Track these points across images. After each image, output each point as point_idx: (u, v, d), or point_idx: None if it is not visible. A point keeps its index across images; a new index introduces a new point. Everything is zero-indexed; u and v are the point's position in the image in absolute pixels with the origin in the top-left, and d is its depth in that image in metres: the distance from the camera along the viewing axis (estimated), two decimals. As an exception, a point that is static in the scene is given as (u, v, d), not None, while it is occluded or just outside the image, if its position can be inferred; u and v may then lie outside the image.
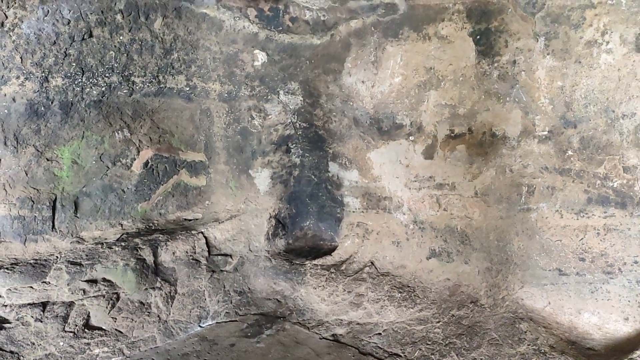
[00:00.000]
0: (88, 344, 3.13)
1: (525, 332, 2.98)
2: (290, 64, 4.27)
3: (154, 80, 3.76)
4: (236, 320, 3.72)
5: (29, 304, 3.05)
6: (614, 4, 2.67)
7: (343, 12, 3.90)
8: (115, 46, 3.46)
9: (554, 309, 3.11)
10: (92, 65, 3.38)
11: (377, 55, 3.84)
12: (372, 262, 4.04)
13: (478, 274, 3.45)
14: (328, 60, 4.17)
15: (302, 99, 4.39)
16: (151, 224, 3.92)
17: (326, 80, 4.22)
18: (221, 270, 3.97)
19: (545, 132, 3.03)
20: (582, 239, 2.97)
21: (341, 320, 3.56)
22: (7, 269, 3.03)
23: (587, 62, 2.81)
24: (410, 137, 3.74)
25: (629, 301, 2.84)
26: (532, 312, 3.14)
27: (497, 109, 3.23)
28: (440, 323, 3.29)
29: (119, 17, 3.42)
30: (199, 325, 3.64)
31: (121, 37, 3.48)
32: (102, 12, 3.31)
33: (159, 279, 3.58)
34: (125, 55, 3.54)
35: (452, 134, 3.49)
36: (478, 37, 3.26)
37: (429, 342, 3.14)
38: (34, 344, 2.98)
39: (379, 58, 3.83)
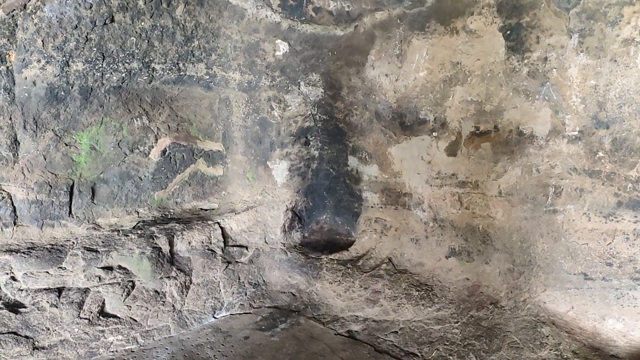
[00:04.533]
0: (102, 331, 3.12)
1: (547, 336, 2.92)
2: (312, 55, 4.21)
3: (174, 67, 3.72)
4: (250, 313, 3.70)
5: (45, 289, 3.04)
6: (655, 1, 2.58)
7: (368, 3, 3.84)
8: (136, 32, 3.42)
9: (577, 313, 3.03)
10: (112, 51, 3.34)
11: (402, 48, 3.77)
12: (389, 259, 3.99)
13: (499, 275, 3.39)
14: (351, 52, 4.11)
15: (323, 90, 4.34)
16: (167, 213, 3.90)
17: (348, 73, 4.15)
18: (236, 262, 3.94)
19: (576, 132, 2.94)
20: (610, 243, 2.88)
21: (357, 316, 3.52)
22: (23, 253, 3.02)
23: (623, 61, 2.71)
24: (434, 133, 3.67)
25: (656, 309, 2.77)
26: (554, 316, 3.07)
27: (525, 106, 3.14)
28: (459, 323, 3.24)
29: (140, 2, 3.37)
30: (213, 317, 3.62)
31: (142, 23, 3.44)
32: (124, -4, 3.29)
33: (174, 269, 3.55)
34: (146, 41, 3.49)
35: (477, 131, 3.42)
36: (508, 32, 3.17)
37: (447, 343, 3.09)
38: (49, 329, 2.97)
39: (404, 51, 3.76)
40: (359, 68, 4.08)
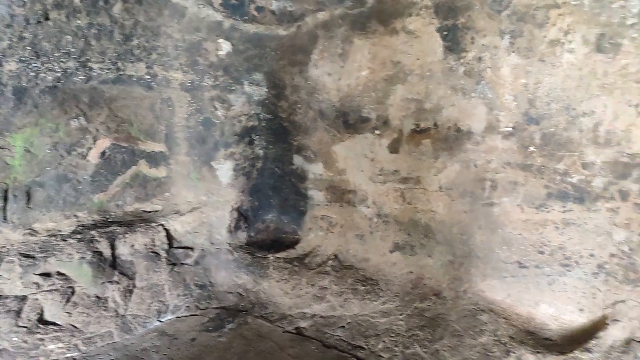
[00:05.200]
0: (42, 339, 3.03)
1: (486, 323, 3.06)
2: (255, 54, 4.23)
3: (112, 66, 3.64)
4: (197, 315, 3.67)
5: (-21, 298, 2.93)
6: (577, 4, 2.75)
7: (310, 3, 3.89)
8: (72, 30, 3.33)
9: (514, 300, 3.20)
10: (47, 50, 3.24)
11: (344, 48, 3.85)
12: (335, 255, 4.06)
13: (441, 266, 3.52)
14: (294, 52, 4.16)
15: (266, 90, 4.37)
16: (108, 216, 3.80)
17: (292, 72, 4.20)
18: (182, 264, 3.91)
19: (509, 128, 3.10)
20: (541, 232, 3.06)
21: (304, 313, 3.57)
22: (-46, 261, 2.90)
23: (550, 61, 2.89)
24: (376, 131, 3.77)
25: (584, 293, 2.94)
26: (492, 304, 3.23)
27: (462, 104, 3.29)
28: (404, 315, 3.34)
29: (76, 0, 3.29)
30: (159, 320, 3.57)
31: (79, 21, 3.35)
32: (59, -7, 3.19)
33: (116, 273, 3.49)
34: (83, 40, 3.41)
35: (418, 129, 3.54)
36: (445, 33, 3.30)
37: (393, 334, 3.18)
38: (-16, 339, 2.86)
39: (346, 51, 3.84)
40: (302, 67, 4.14)
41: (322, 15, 3.92)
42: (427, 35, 3.39)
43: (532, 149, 3.03)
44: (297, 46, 4.14)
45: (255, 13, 4.02)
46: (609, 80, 2.71)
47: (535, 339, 2.96)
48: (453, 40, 3.27)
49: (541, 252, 3.08)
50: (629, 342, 2.67)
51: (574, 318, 2.98)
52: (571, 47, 2.81)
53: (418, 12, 3.41)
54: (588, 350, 2.68)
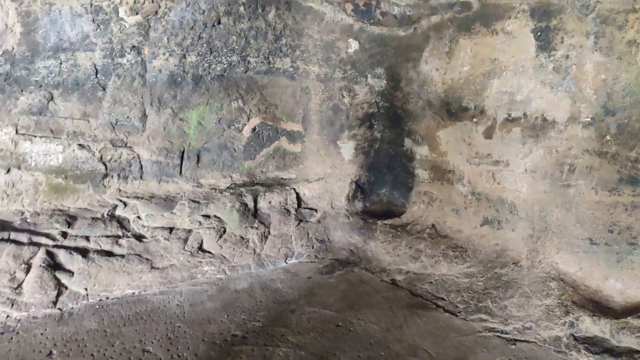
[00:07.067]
0: (200, 262, 3.99)
1: (554, 289, 3.41)
2: (378, 52, 4.95)
3: (265, 60, 4.57)
4: (315, 262, 4.45)
5: (160, 227, 3.99)
6: (653, 9, 3.05)
7: (425, 8, 4.48)
8: (237, 32, 4.30)
9: (585, 274, 3.49)
10: (218, 47, 4.24)
11: (450, 46, 4.40)
12: (433, 225, 4.61)
13: (522, 240, 3.90)
14: (410, 50, 4.81)
15: (385, 82, 5.08)
16: (254, 179, 4.77)
17: (407, 67, 4.85)
18: (307, 221, 4.75)
19: (589, 119, 3.42)
20: (612, 213, 3.34)
21: (401, 269, 4.19)
22: (146, 199, 4.00)
23: (627, 59, 3.18)
24: (474, 119, 4.26)
25: (649, 271, 3.21)
26: (564, 275, 3.54)
27: (549, 97, 3.66)
28: (484, 278, 3.80)
29: (241, 8, 4.25)
30: (285, 262, 4.41)
31: (242, 25, 4.31)
32: (229, 4, 4.17)
33: (256, 221, 4.40)
34: (244, 39, 4.37)
35: (509, 118, 3.96)
36: (539, 33, 3.69)
37: (471, 292, 3.68)
38: (162, 255, 3.87)
39: (452, 49, 4.39)
40: (415, 63, 4.76)
41: (434, 19, 4.51)
42: (522, 35, 3.81)
43: (608, 137, 3.33)
44: (412, 45, 4.77)
45: (380, 17, 4.72)
46: (677, 77, 2.98)
47: (597, 306, 3.27)
48: (545, 39, 3.66)
49: (611, 231, 3.36)
50: (680, 315, 2.92)
51: (639, 294, 3.24)
52: (645, 47, 3.11)
53: (516, 15, 3.83)
54: (640, 318, 2.98)
